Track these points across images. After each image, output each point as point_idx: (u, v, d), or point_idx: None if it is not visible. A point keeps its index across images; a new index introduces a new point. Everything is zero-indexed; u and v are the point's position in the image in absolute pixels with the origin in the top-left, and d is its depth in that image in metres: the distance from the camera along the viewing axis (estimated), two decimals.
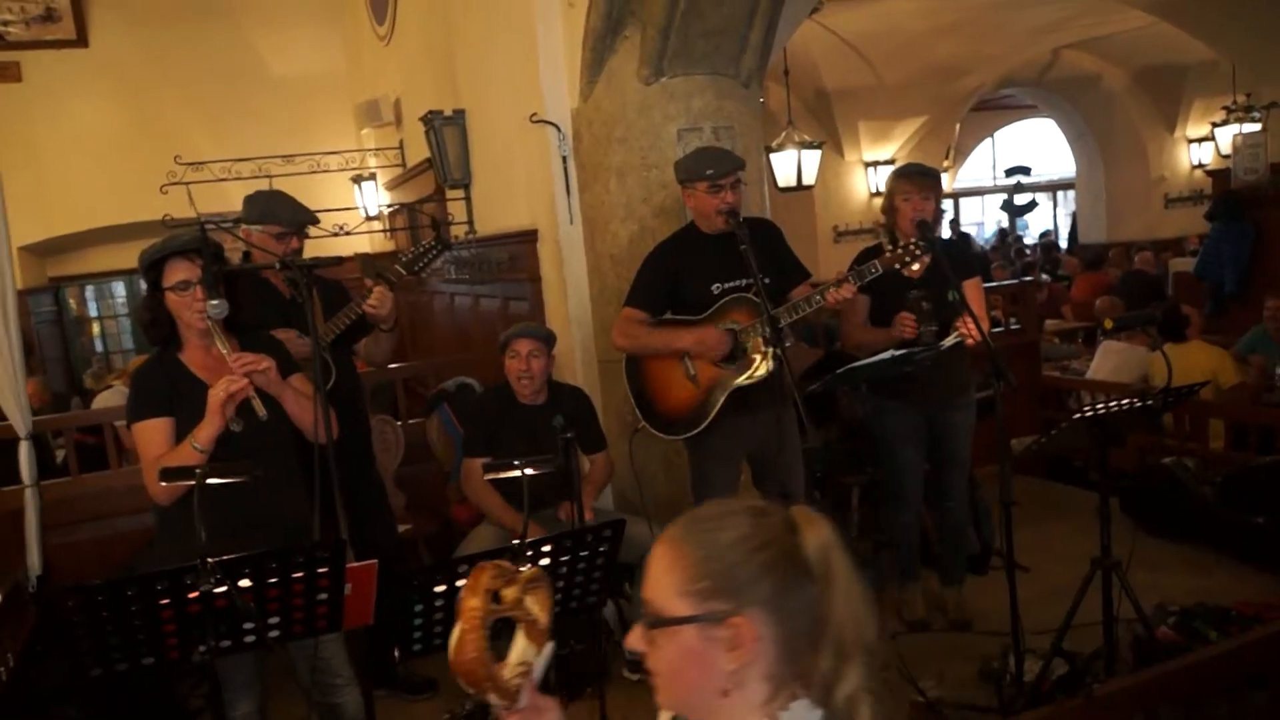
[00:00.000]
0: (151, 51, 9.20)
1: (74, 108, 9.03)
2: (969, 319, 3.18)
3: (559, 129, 4.21)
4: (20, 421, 4.13)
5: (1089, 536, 3.14)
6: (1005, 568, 3.05)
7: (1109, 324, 3.32)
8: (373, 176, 8.19)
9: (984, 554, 4.28)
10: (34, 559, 4.13)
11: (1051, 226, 17.46)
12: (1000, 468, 3.01)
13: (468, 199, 5.63)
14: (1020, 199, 12.62)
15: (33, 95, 8.84)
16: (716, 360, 3.18)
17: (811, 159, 8.79)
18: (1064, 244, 15.03)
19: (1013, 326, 5.98)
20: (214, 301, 2.42)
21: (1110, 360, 5.84)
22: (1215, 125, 9.98)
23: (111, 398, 7.54)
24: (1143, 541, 3.63)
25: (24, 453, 4.13)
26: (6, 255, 4.03)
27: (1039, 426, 5.65)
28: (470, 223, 5.61)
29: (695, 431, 3.28)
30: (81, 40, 9.10)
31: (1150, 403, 2.97)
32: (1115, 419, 2.95)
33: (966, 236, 14.52)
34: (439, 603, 2.28)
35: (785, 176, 8.68)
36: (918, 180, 3.49)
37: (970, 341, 3.23)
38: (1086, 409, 2.94)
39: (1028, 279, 8.16)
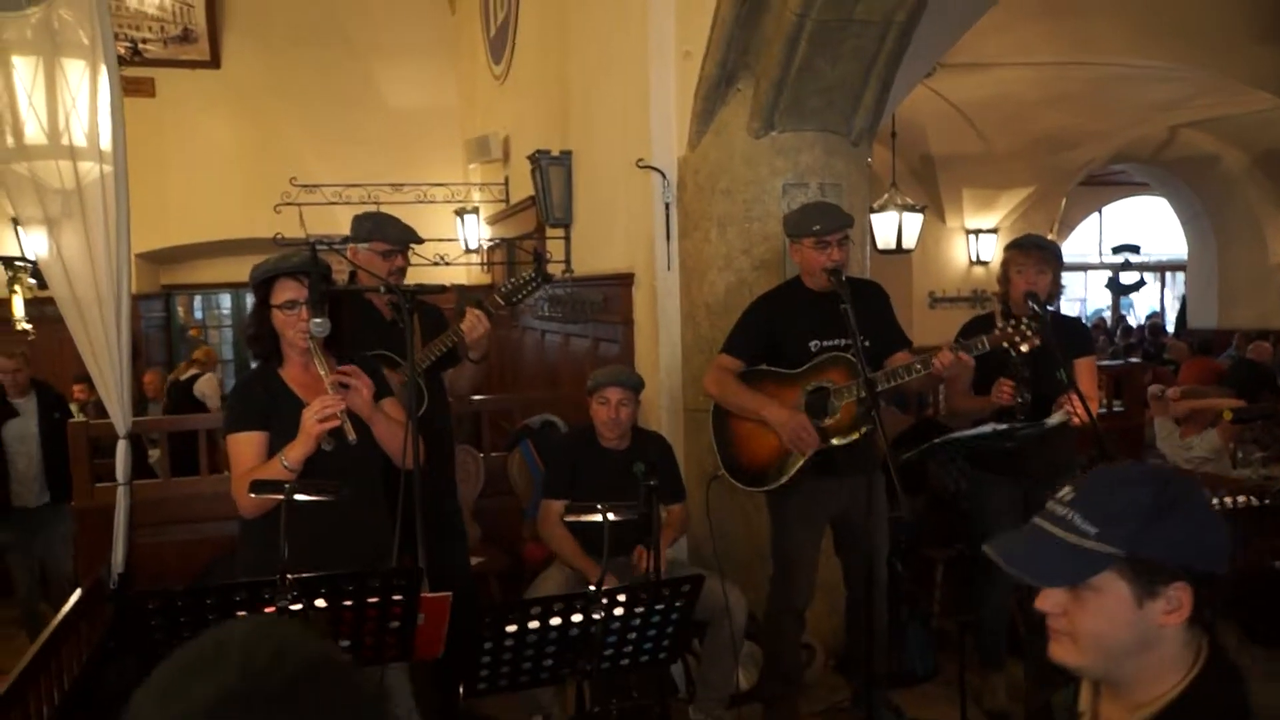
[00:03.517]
0: (278, 76, 9.61)
1: (201, 125, 9.46)
2: (1075, 398, 3.06)
3: (664, 175, 4.22)
4: (120, 421, 4.27)
5: None
6: None
7: (1228, 415, 3.16)
8: (475, 210, 8.36)
9: None
10: (119, 557, 4.23)
11: (1158, 308, 16.88)
12: None
13: (567, 238, 5.68)
14: (1127, 277, 12.24)
15: (164, 111, 9.29)
16: (795, 450, 3.12)
17: (913, 222, 8.69)
18: (1170, 327, 14.50)
19: (1116, 409, 5.75)
20: (317, 320, 2.46)
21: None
22: None
23: (209, 383, 7.85)
24: (1250, 651, 3.41)
25: (121, 451, 4.26)
26: (126, 262, 4.20)
27: None
28: (568, 262, 5.66)
29: (773, 487, 3.21)
30: (214, 61, 9.55)
31: (1268, 501, 2.80)
32: (1228, 517, 2.79)
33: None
34: (509, 643, 2.25)
35: (885, 238, 8.58)
36: (1034, 253, 3.39)
37: (1076, 421, 3.10)
38: None
39: (1133, 360, 7.86)
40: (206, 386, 7.96)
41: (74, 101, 4.19)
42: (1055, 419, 3.12)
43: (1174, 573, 1.20)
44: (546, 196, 5.55)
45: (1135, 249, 12.54)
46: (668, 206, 4.24)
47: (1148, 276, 15.24)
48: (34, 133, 4.22)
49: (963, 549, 4.11)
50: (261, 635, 0.88)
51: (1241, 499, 2.77)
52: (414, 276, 3.47)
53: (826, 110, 3.89)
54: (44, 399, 5.36)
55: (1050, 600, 1.26)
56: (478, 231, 8.37)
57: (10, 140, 4.20)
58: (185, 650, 0.87)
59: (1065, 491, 1.29)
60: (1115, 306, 15.62)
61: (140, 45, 8.87)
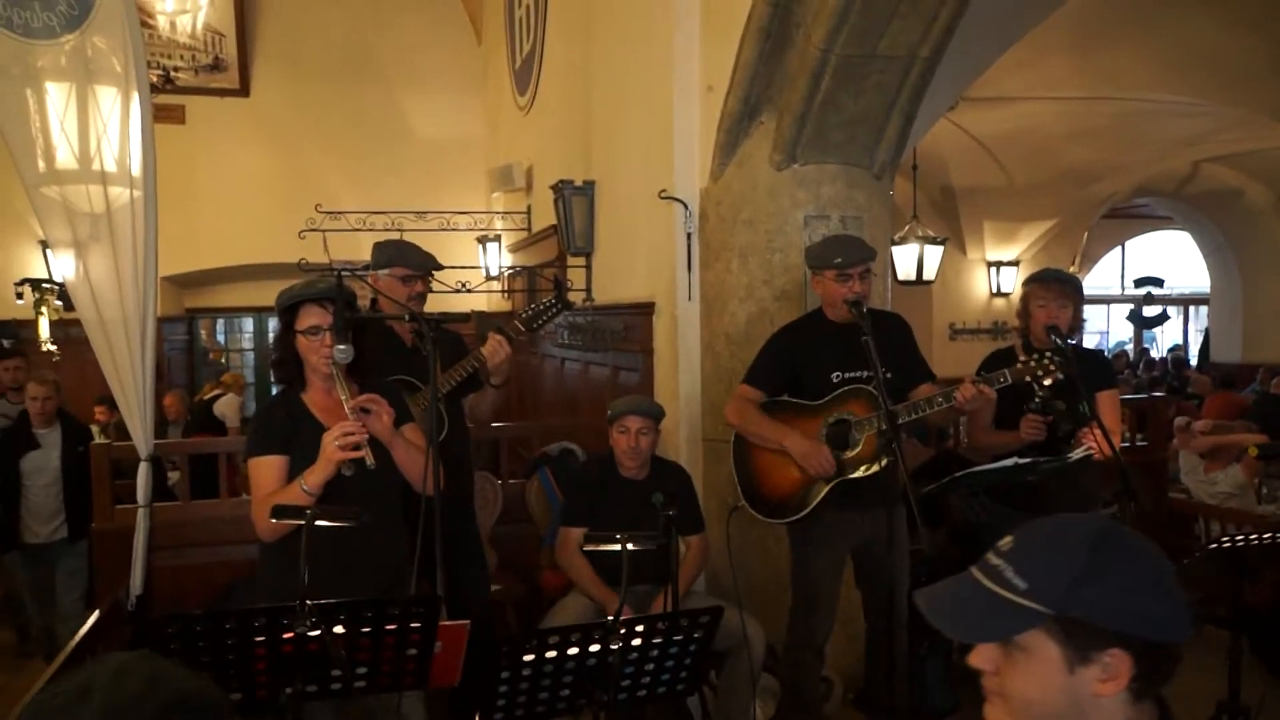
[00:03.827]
0: (305, 105, 9.76)
1: (229, 152, 9.60)
2: (1097, 431, 3.03)
3: (686, 206, 4.24)
4: (142, 443, 4.30)
5: (1212, 676, 2.92)
6: None
7: (1254, 451, 3.13)
8: (498, 238, 8.42)
9: None
10: (137, 579, 4.26)
11: (1181, 342, 16.75)
12: None
13: (588, 267, 5.71)
14: (1150, 311, 12.15)
15: (193, 137, 9.44)
16: (814, 476, 3.12)
17: (934, 254, 8.68)
18: (1193, 361, 14.38)
19: (1139, 443, 5.69)
20: (340, 347, 2.48)
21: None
22: None
23: (229, 404, 7.95)
24: (1276, 690, 3.35)
25: (142, 474, 4.30)
26: (153, 286, 4.26)
27: (1163, 551, 5.32)
28: (589, 290, 5.68)
29: (795, 518, 3.19)
30: (244, 90, 9.71)
31: None
32: (1253, 553, 2.75)
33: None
34: (526, 672, 2.24)
35: (905, 270, 8.58)
36: (1055, 287, 3.37)
37: (1098, 456, 3.07)
38: (1224, 540, 2.76)
39: (1157, 394, 7.79)
40: (226, 407, 8.05)
41: (105, 127, 4.26)
42: (1078, 453, 3.09)
43: (1108, 638, 1.11)
44: (569, 225, 5.58)
45: (1158, 282, 12.45)
46: (689, 237, 4.26)
47: (1170, 310, 15.13)
48: (65, 157, 4.29)
49: None
50: (128, 673, 0.89)
51: (1268, 535, 2.72)
52: (436, 302, 3.50)
53: (849, 144, 3.91)
54: (68, 431, 5.15)
55: (982, 657, 1.19)
56: (499, 259, 8.43)
57: (42, 165, 4.28)
58: (51, 690, 0.89)
59: (1007, 540, 1.21)
60: (1138, 340, 15.50)
61: (172, 73, 9.03)
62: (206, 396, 8.38)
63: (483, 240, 8.39)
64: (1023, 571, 1.15)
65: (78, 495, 4.89)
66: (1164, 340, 16.94)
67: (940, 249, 8.77)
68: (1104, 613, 1.11)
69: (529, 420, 7.12)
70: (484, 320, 7.36)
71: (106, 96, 4.27)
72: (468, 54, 10.23)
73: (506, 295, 8.93)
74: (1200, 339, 15.10)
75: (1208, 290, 12.97)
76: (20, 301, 8.92)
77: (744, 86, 3.84)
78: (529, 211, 7.96)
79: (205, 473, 4.95)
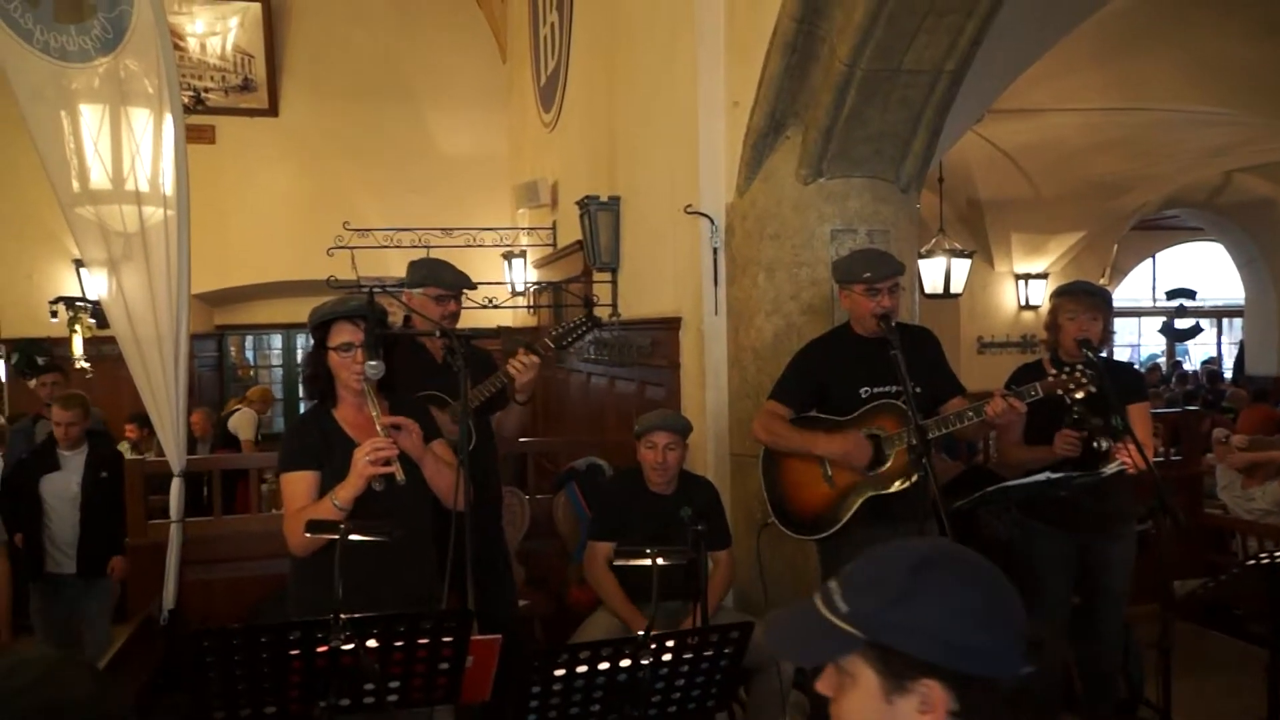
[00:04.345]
0: (333, 124, 9.88)
1: (258, 171, 9.74)
2: (1131, 445, 3.00)
3: (712, 221, 4.25)
4: (175, 459, 4.35)
5: (1249, 696, 2.88)
6: None
7: None
8: (523, 254, 8.46)
9: (1132, 700, 3.96)
10: (169, 593, 4.30)
11: (1215, 354, 16.53)
12: (1162, 610, 2.79)
13: (614, 282, 5.72)
14: (1182, 323, 12.01)
15: (224, 157, 9.58)
16: (857, 469, 3.09)
17: (961, 268, 8.64)
18: (1227, 373, 14.18)
19: (1173, 458, 5.62)
20: (372, 363, 2.51)
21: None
22: None
23: (241, 419, 7.92)
24: None
25: (175, 489, 4.34)
26: (186, 303, 4.32)
27: (1198, 568, 5.25)
28: (614, 305, 5.69)
29: (825, 535, 3.17)
30: (273, 110, 9.85)
31: None
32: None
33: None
34: (557, 687, 2.24)
35: (933, 283, 8.54)
36: (1085, 300, 3.35)
37: (1132, 470, 3.04)
38: (1263, 556, 2.71)
39: (1191, 408, 7.70)
40: (239, 421, 7.98)
41: (138, 148, 4.34)
42: (1112, 468, 3.06)
43: (920, 667, 1.05)
44: (594, 241, 5.61)
45: (1191, 294, 12.30)
46: (716, 251, 4.26)
47: (1204, 322, 14.95)
48: (99, 178, 4.37)
49: None
50: (18, 671, 0.91)
51: None
52: (462, 318, 3.53)
53: (875, 158, 3.90)
54: (95, 453, 4.67)
55: (824, 682, 1.15)
56: (524, 274, 8.47)
57: (76, 185, 4.36)
58: None
59: (855, 561, 1.17)
60: (1170, 352, 15.32)
61: (203, 94, 9.17)
62: (225, 412, 8.44)
63: (508, 256, 8.44)
64: (847, 595, 1.12)
65: (96, 525, 4.55)
66: (1197, 353, 16.73)
67: (968, 262, 8.73)
68: (912, 640, 1.06)
69: (555, 435, 7.13)
70: (510, 337, 7.39)
71: (139, 118, 4.35)
72: (492, 72, 10.33)
73: (532, 311, 8.97)
74: (1235, 352, 14.91)
75: (1242, 302, 12.82)
76: (55, 320, 9.07)
77: (769, 101, 3.85)
78: (554, 227, 8.00)
79: (224, 488, 4.95)
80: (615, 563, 2.91)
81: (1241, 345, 13.69)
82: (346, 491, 2.50)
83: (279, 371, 11.35)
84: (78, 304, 8.89)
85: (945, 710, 1.05)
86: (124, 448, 7.57)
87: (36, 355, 8.95)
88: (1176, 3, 6.43)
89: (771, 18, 3.69)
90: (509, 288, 8.28)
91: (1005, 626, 1.07)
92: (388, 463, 2.48)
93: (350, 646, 2.05)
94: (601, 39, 6.11)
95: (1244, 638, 4.80)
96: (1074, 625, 3.55)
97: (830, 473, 3.16)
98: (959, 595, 1.07)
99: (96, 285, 4.53)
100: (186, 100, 8.66)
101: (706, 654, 2.35)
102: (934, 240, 8.63)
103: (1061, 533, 3.41)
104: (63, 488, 4.59)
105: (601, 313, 5.72)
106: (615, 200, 5.60)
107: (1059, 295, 3.50)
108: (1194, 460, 5.74)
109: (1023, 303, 11.06)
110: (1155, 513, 2.79)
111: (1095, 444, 3.11)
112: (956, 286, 8.71)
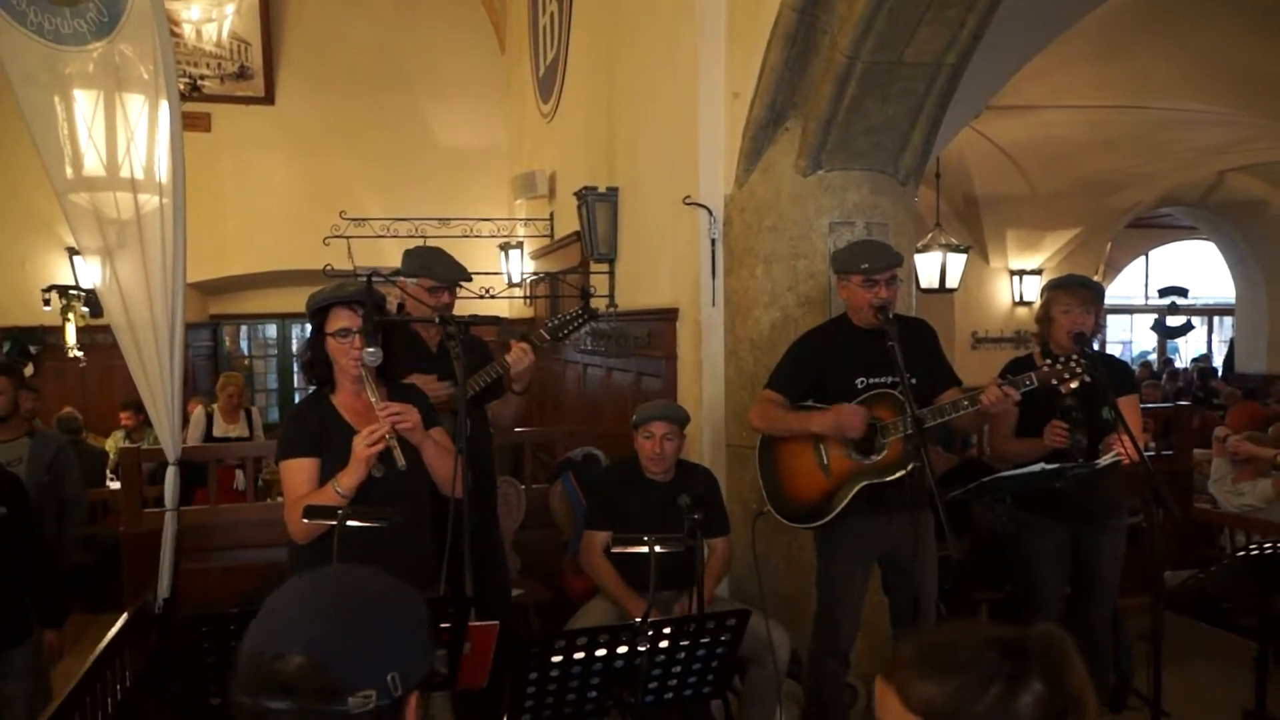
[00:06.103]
0: (330, 113, 9.84)
1: (255, 160, 9.68)
2: (1125, 437, 3.02)
3: (710, 212, 4.25)
4: (171, 448, 4.34)
5: (1238, 686, 2.90)
6: (1151, 715, 2.82)
7: None
8: (520, 245, 8.45)
9: (1121, 689, 3.98)
10: (164, 582, 4.28)
11: (1205, 351, 16.60)
12: (1153, 601, 2.81)
13: (611, 273, 5.72)
14: (1174, 320, 12.06)
15: (219, 145, 9.52)
16: (852, 436, 3.09)
17: (956, 262, 8.66)
18: (1218, 371, 14.24)
19: (1164, 453, 5.65)
20: (370, 349, 2.50)
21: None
22: None
23: (192, 422, 7.13)
24: None
25: (170, 478, 4.33)
26: (181, 291, 4.30)
27: (1187, 561, 5.29)
28: (612, 296, 5.69)
29: (820, 523, 3.18)
30: (269, 98, 9.80)
31: None
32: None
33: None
34: (554, 673, 2.24)
35: (928, 278, 8.56)
36: (1079, 293, 3.36)
37: (1126, 462, 3.06)
38: (1252, 548, 2.74)
39: (1182, 404, 7.74)
40: (191, 424, 6.88)
41: (133, 134, 4.30)
42: (1106, 459, 3.08)
43: None
44: (592, 232, 5.60)
45: (1183, 291, 12.35)
46: (714, 243, 4.26)
47: (1195, 320, 15.00)
48: (93, 164, 4.33)
49: (1008, 591, 4.05)
50: None
51: None
52: (459, 308, 3.52)
53: (874, 150, 3.91)
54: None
55: None
56: (521, 265, 8.46)
57: (70, 171, 4.32)
58: None
59: None
60: (1161, 349, 15.38)
61: (198, 81, 9.12)
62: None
63: (505, 247, 8.43)
64: None
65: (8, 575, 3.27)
66: (1187, 350, 16.80)
67: (963, 257, 8.75)
68: None
69: (551, 425, 7.13)
70: (507, 328, 7.39)
71: (134, 104, 4.31)
72: (491, 62, 10.29)
73: (529, 302, 8.96)
74: (1225, 349, 14.98)
75: (1233, 300, 12.87)
76: (48, 308, 9.03)
77: (769, 93, 3.85)
78: (551, 218, 7.99)
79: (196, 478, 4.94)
80: (613, 550, 2.92)
81: (1232, 343, 13.75)
82: (349, 478, 2.50)
83: (274, 361, 11.32)
84: (70, 292, 8.85)
85: None
86: (118, 436, 7.55)
87: (30, 344, 8.93)
88: (1175, 1, 6.44)
89: (773, 9, 3.69)
90: (505, 278, 8.27)
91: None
92: (387, 450, 2.48)
93: None
94: (601, 29, 6.10)
95: (1230, 629, 4.84)
96: (1065, 616, 3.57)
97: (826, 461, 3.17)
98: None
99: (90, 273, 4.49)
100: (182, 87, 8.61)
101: (703, 641, 2.36)
102: (930, 235, 8.64)
103: (1055, 524, 3.42)
104: None
105: (599, 304, 5.73)
106: (613, 191, 5.60)
107: (1053, 288, 3.51)
108: (1184, 455, 5.77)
109: (1017, 298, 11.12)
110: (1148, 503, 2.80)
111: (1073, 439, 3.11)
112: (952, 281, 8.74)
